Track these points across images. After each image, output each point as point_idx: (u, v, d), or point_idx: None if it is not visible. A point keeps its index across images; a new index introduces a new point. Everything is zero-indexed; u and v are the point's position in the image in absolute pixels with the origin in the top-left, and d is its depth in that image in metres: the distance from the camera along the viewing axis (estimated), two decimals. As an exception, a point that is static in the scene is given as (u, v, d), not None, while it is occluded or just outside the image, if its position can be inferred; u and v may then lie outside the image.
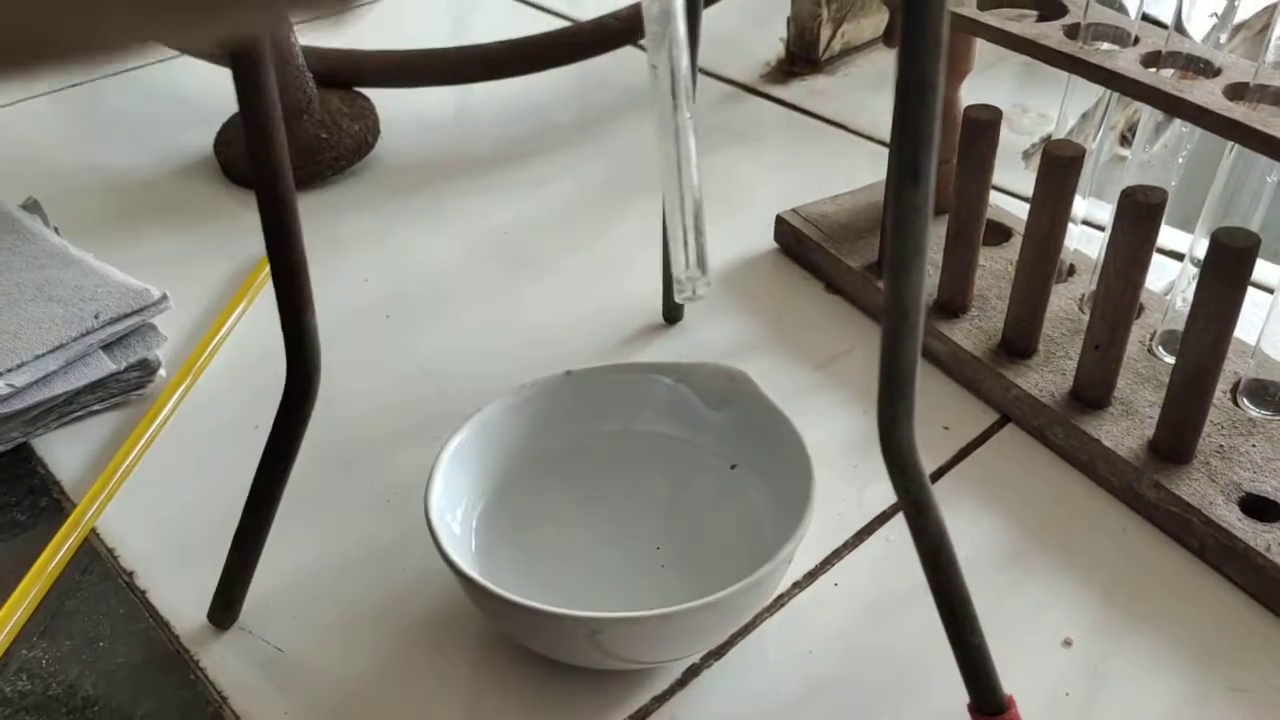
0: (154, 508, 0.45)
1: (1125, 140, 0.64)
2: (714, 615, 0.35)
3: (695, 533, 0.41)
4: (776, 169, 0.68)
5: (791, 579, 0.41)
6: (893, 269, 0.26)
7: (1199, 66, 0.44)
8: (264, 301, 0.56)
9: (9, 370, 0.46)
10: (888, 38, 0.82)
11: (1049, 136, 0.70)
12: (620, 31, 0.70)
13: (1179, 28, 0.44)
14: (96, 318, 0.49)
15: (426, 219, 0.64)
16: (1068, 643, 0.39)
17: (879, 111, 0.74)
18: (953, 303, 0.51)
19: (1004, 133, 0.47)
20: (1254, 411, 0.45)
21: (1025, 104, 0.74)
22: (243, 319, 0.55)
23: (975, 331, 0.50)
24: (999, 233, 0.56)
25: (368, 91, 0.70)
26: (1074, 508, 0.44)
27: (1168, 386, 0.42)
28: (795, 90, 0.78)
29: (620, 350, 0.53)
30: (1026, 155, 0.70)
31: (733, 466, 0.43)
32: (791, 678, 0.38)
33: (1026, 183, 0.57)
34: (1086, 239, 0.53)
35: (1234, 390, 0.46)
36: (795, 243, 0.59)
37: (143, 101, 0.78)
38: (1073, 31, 0.47)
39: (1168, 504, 0.42)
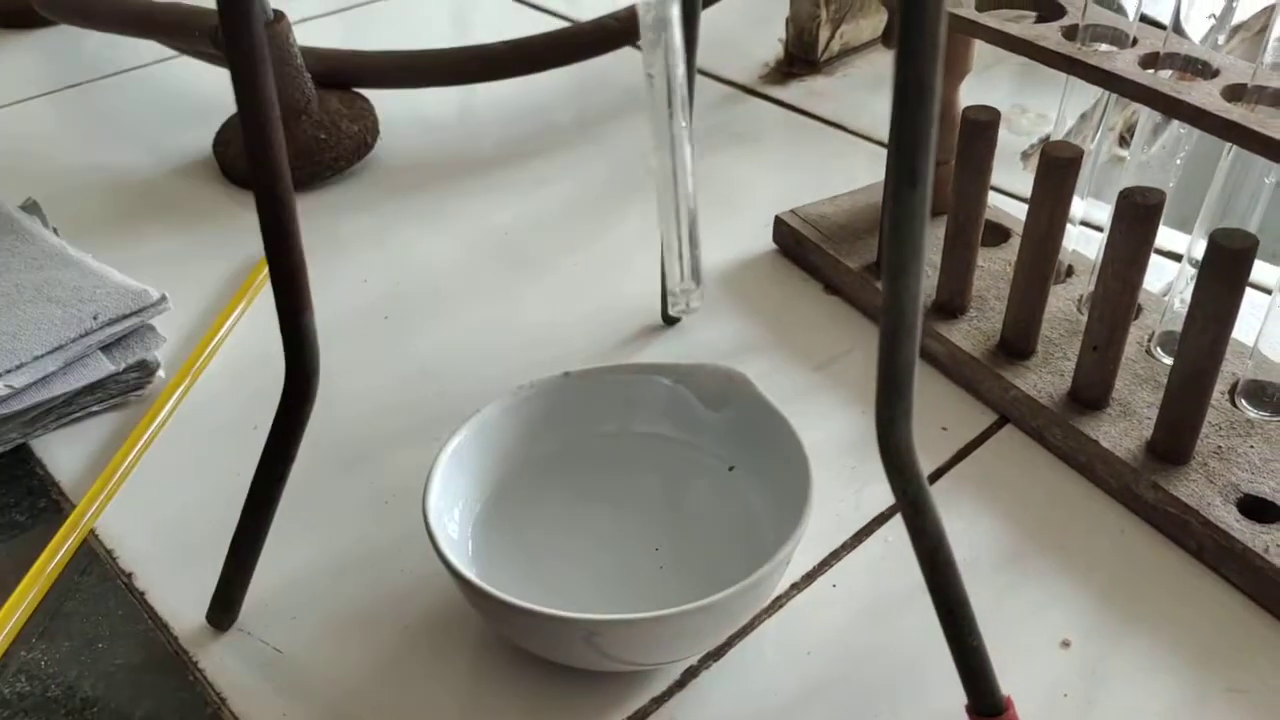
0: (153, 509, 0.45)
1: (1124, 141, 0.64)
2: (712, 617, 0.35)
3: (693, 534, 0.41)
4: (775, 170, 0.68)
5: (790, 580, 0.41)
6: (891, 270, 0.26)
7: (1197, 68, 0.44)
8: (263, 302, 0.56)
9: (8, 371, 0.46)
10: (886, 38, 0.81)
11: (1047, 137, 0.70)
12: (619, 32, 0.70)
13: (1177, 29, 0.44)
14: (95, 319, 0.49)
15: (426, 219, 0.64)
16: (1066, 644, 0.39)
17: (878, 112, 0.74)
18: (951, 304, 0.51)
19: (1002, 133, 0.47)
20: (1252, 412, 0.45)
21: (1024, 105, 0.74)
22: (242, 320, 0.55)
23: (974, 332, 0.50)
24: (997, 234, 0.56)
25: (367, 92, 0.70)
26: (1072, 509, 0.44)
27: (1166, 387, 0.42)
28: (794, 91, 0.78)
29: (619, 351, 0.53)
30: (1025, 156, 0.70)
31: (731, 468, 0.43)
32: (790, 679, 0.38)
33: (1025, 183, 0.57)
34: (1085, 240, 0.53)
35: (1232, 391, 0.46)
36: (794, 243, 0.59)
37: (141, 102, 0.78)
38: (1071, 32, 0.47)
39: (1166, 505, 0.42)
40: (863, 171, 0.66)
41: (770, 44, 0.83)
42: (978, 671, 0.32)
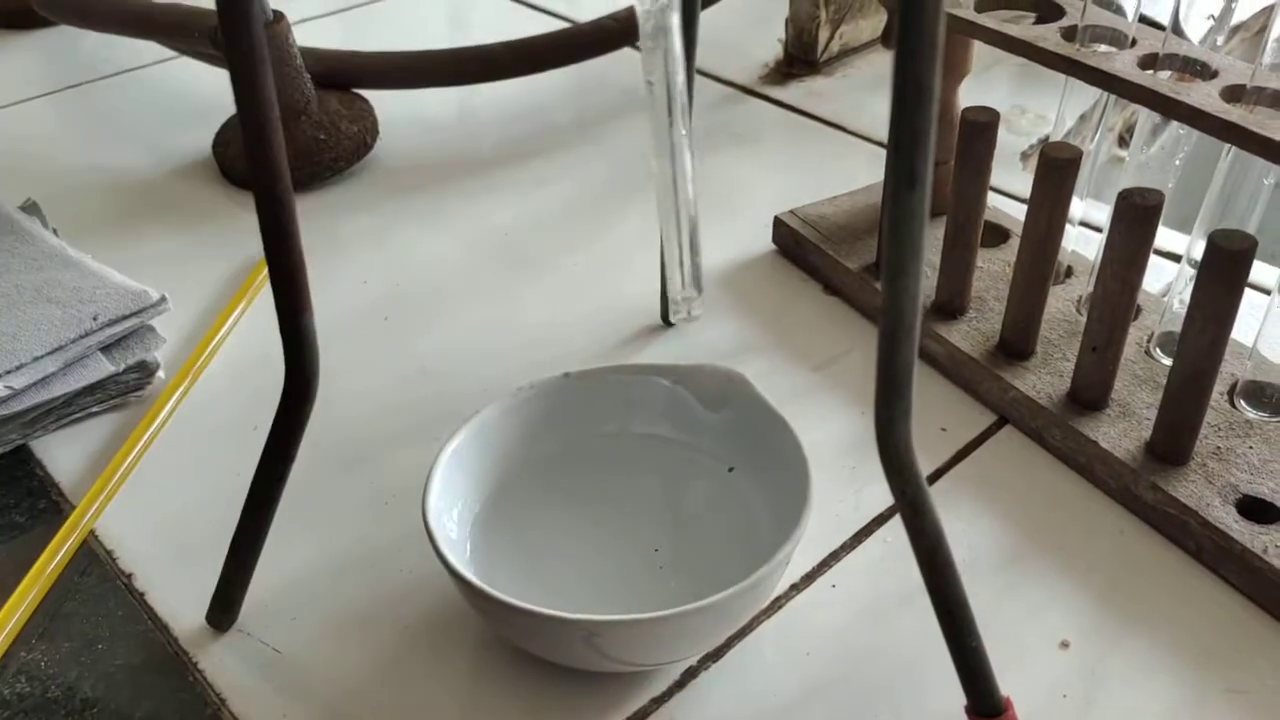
0: (153, 509, 0.45)
1: (1123, 142, 0.64)
2: (711, 617, 0.35)
3: (693, 535, 0.41)
4: (775, 170, 0.68)
5: (789, 581, 0.41)
6: (890, 271, 0.26)
7: (1196, 68, 0.44)
8: (263, 303, 0.56)
9: (7, 372, 0.46)
10: (886, 39, 0.81)
11: (1047, 138, 0.70)
12: (619, 33, 0.70)
13: (1176, 30, 0.44)
14: (95, 319, 0.49)
15: (426, 219, 0.64)
16: (1065, 644, 0.39)
17: (877, 113, 0.74)
18: (950, 304, 0.51)
19: (1002, 134, 0.47)
20: (1251, 413, 0.45)
21: (1023, 105, 0.74)
22: (241, 320, 0.55)
23: (973, 333, 0.50)
24: (997, 234, 0.56)
25: (366, 92, 0.70)
26: (1071, 509, 0.44)
27: (1165, 388, 0.42)
28: (793, 91, 0.78)
29: (619, 351, 0.53)
30: (1024, 157, 0.70)
31: (730, 468, 0.43)
32: (789, 679, 0.38)
33: (1024, 184, 0.57)
34: (1084, 240, 0.53)
35: (1231, 392, 0.46)
36: (793, 244, 0.59)
37: (141, 102, 0.78)
38: (1070, 33, 0.47)
39: (1165, 505, 0.42)
40: (862, 172, 0.66)
41: (770, 44, 0.83)
42: (977, 672, 0.32)
